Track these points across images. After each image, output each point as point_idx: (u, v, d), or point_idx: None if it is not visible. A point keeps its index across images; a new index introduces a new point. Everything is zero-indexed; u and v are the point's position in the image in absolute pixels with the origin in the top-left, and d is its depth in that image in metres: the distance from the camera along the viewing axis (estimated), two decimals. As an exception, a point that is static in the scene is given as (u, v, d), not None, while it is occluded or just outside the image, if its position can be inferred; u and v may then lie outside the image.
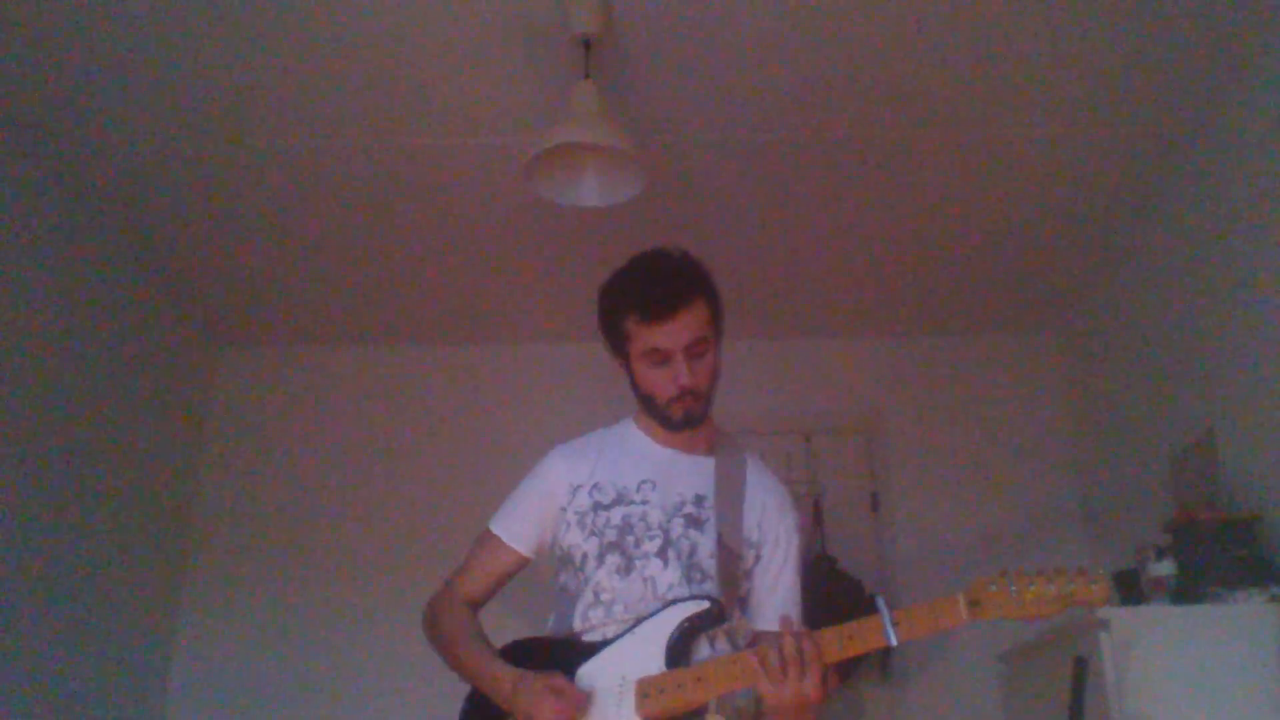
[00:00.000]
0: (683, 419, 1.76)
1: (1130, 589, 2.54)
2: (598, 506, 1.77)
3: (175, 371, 3.81)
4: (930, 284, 3.68)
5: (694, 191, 3.09)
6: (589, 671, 1.65)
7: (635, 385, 1.80)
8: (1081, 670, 2.18)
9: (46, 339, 2.99)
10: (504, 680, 1.65)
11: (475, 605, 1.86)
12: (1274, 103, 2.47)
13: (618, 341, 1.79)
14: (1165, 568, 2.43)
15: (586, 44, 2.33)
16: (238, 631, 3.76)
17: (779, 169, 2.98)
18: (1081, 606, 1.49)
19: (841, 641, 1.54)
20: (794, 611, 1.78)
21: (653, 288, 1.73)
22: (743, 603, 1.77)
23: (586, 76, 2.33)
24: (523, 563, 1.87)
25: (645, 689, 1.59)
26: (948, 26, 2.42)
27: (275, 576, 3.82)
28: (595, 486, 1.80)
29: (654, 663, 1.61)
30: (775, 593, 1.78)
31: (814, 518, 3.67)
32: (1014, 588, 1.49)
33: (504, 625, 1.89)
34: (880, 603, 1.53)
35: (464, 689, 1.79)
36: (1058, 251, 3.45)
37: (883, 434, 3.94)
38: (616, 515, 1.75)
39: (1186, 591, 2.37)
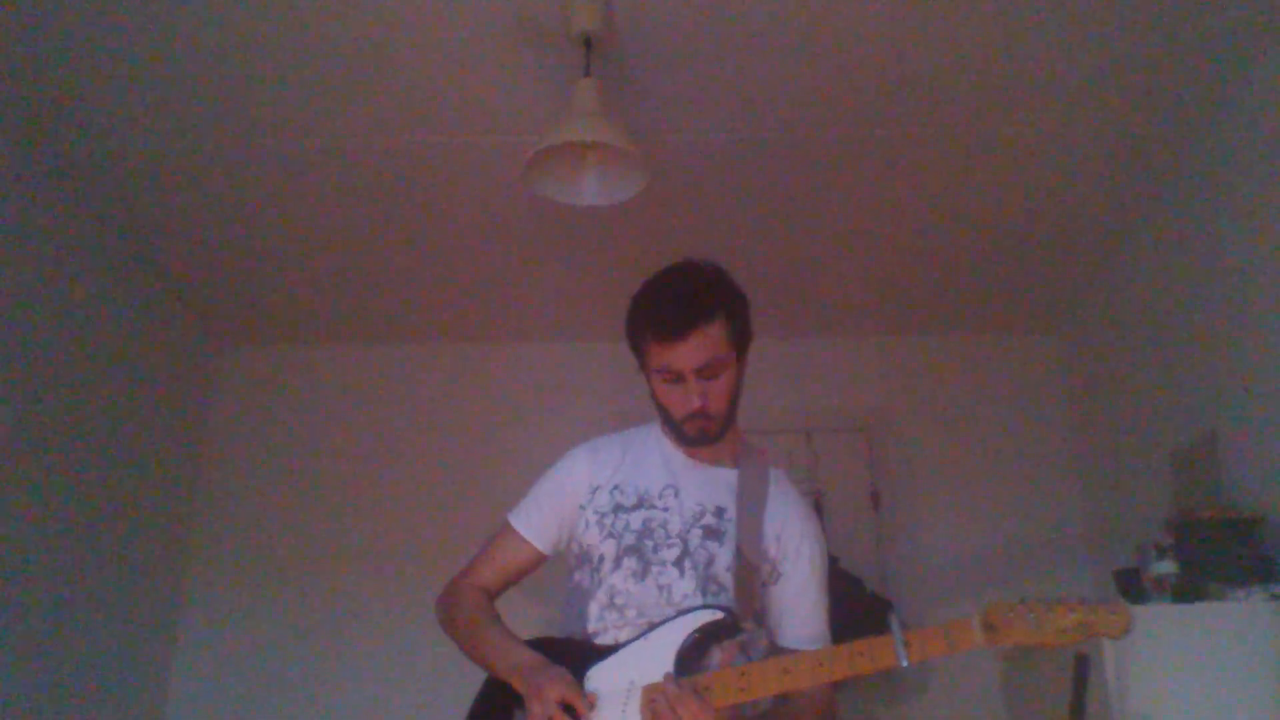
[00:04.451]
0: (697, 437, 1.76)
1: (1132, 588, 2.54)
2: (619, 508, 1.77)
3: (175, 371, 3.81)
4: (931, 284, 3.68)
5: (695, 190, 3.08)
6: (599, 674, 1.64)
7: (653, 397, 1.80)
8: (1083, 668, 2.17)
9: (47, 339, 2.99)
10: (521, 664, 1.65)
11: (490, 596, 1.86)
12: (1275, 103, 2.47)
13: (638, 353, 1.79)
14: (1166, 566, 2.42)
15: (587, 42, 2.33)
16: (238, 631, 3.76)
17: (780, 168, 2.98)
18: (1100, 637, 1.47)
19: (851, 659, 1.53)
20: (818, 629, 1.77)
21: (667, 308, 1.71)
22: (758, 616, 1.76)
23: (587, 74, 2.32)
24: (539, 559, 1.87)
25: (652, 695, 1.58)
26: (948, 26, 2.41)
27: (276, 576, 3.82)
28: (616, 488, 1.80)
29: (663, 670, 1.60)
30: (796, 611, 1.77)
31: (814, 517, 3.68)
32: (1032, 615, 1.46)
33: (529, 617, 1.89)
34: (893, 622, 1.51)
35: (467, 687, 1.79)
36: (1058, 251, 3.45)
37: (884, 433, 3.94)
38: (637, 519, 1.75)
39: (1188, 590, 2.37)
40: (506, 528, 1.87)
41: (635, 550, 1.73)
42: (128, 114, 2.70)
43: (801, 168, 2.98)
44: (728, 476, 1.81)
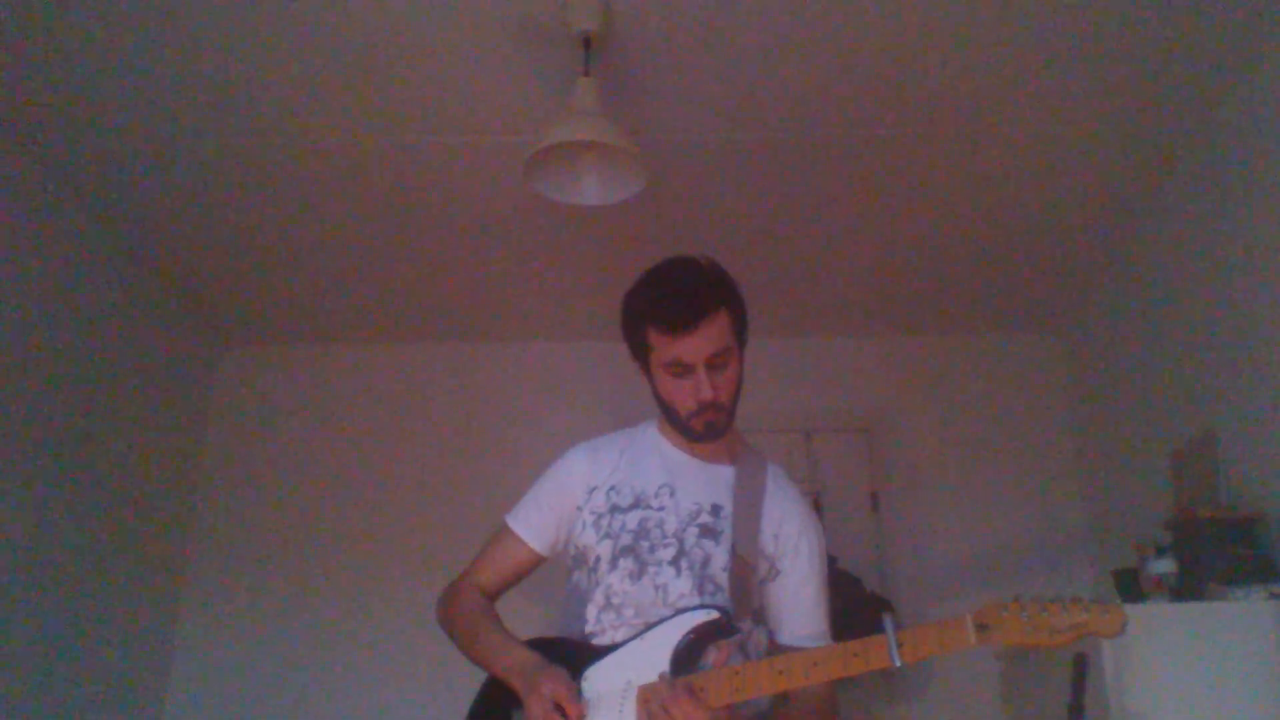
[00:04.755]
0: (705, 431, 1.74)
1: (1130, 587, 2.54)
2: (615, 509, 1.76)
3: (176, 371, 3.82)
4: (931, 284, 3.68)
5: (694, 190, 3.09)
6: (595, 674, 1.64)
7: (656, 394, 1.78)
8: (1081, 668, 2.17)
9: (48, 339, 3.00)
10: (519, 663, 1.65)
11: (489, 597, 1.86)
12: (1275, 102, 2.47)
13: (639, 350, 1.77)
14: (1165, 565, 2.42)
15: (587, 41, 2.33)
16: (238, 631, 3.76)
17: (779, 168, 2.98)
18: (1095, 637, 1.46)
19: (845, 660, 1.52)
20: (817, 627, 1.77)
21: (674, 299, 1.70)
22: (757, 614, 1.75)
23: (586, 74, 2.33)
24: (537, 560, 1.86)
25: (647, 695, 1.58)
26: (949, 26, 2.41)
27: (275, 576, 3.82)
28: (613, 488, 1.79)
29: (659, 670, 1.60)
30: (796, 609, 1.76)
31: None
32: (1025, 614, 1.45)
33: (529, 617, 1.89)
34: (887, 622, 1.50)
35: (467, 687, 1.79)
36: (1058, 251, 3.45)
37: (883, 433, 3.95)
38: (633, 519, 1.74)
39: (1187, 589, 2.37)
40: (505, 529, 1.87)
41: (631, 550, 1.72)
42: (128, 114, 2.71)
43: (801, 167, 2.98)
44: (725, 474, 1.80)
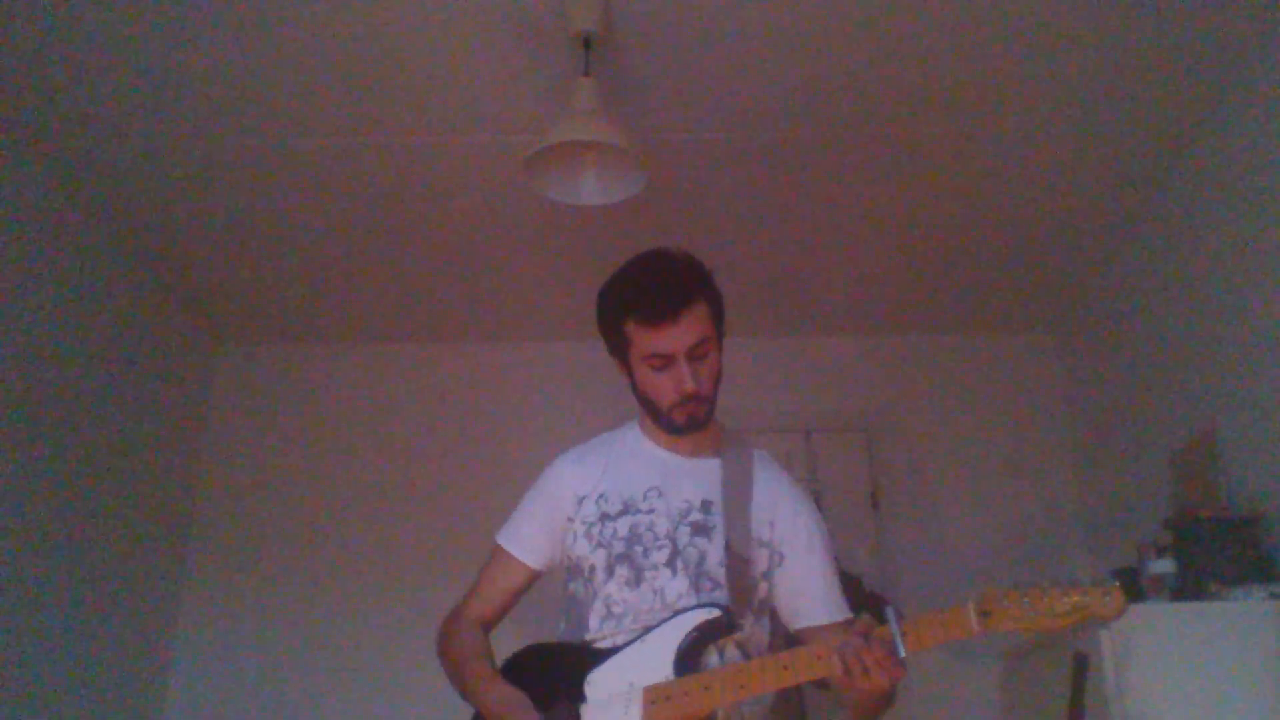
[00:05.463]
0: (686, 423, 1.73)
1: (1130, 587, 2.53)
2: (605, 517, 1.75)
3: (175, 371, 3.81)
4: (931, 283, 3.68)
5: (694, 190, 3.09)
6: (598, 678, 1.63)
7: (636, 390, 1.77)
8: (1081, 668, 2.17)
9: (47, 339, 2.99)
10: (493, 702, 1.64)
11: (488, 625, 1.82)
12: (1274, 103, 2.47)
13: (618, 345, 1.75)
14: (1165, 566, 2.42)
15: (587, 41, 2.33)
16: (238, 632, 3.76)
17: (779, 168, 2.98)
18: (1096, 620, 1.46)
19: None
20: (835, 602, 1.74)
21: (653, 290, 1.69)
22: (761, 607, 1.74)
23: (586, 74, 2.33)
24: (534, 577, 1.83)
25: (653, 696, 1.57)
26: (948, 27, 2.42)
27: (275, 576, 3.82)
28: (601, 496, 1.77)
29: (662, 670, 1.59)
30: (808, 589, 1.74)
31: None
32: (1027, 600, 1.45)
33: (516, 634, 1.87)
34: (890, 613, 1.49)
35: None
36: (1057, 251, 3.45)
37: (883, 432, 3.94)
38: (624, 526, 1.73)
39: (1186, 589, 2.37)
40: (498, 550, 1.84)
41: (626, 557, 1.70)
42: (128, 114, 2.71)
43: (801, 167, 2.98)
44: (712, 468, 1.78)
